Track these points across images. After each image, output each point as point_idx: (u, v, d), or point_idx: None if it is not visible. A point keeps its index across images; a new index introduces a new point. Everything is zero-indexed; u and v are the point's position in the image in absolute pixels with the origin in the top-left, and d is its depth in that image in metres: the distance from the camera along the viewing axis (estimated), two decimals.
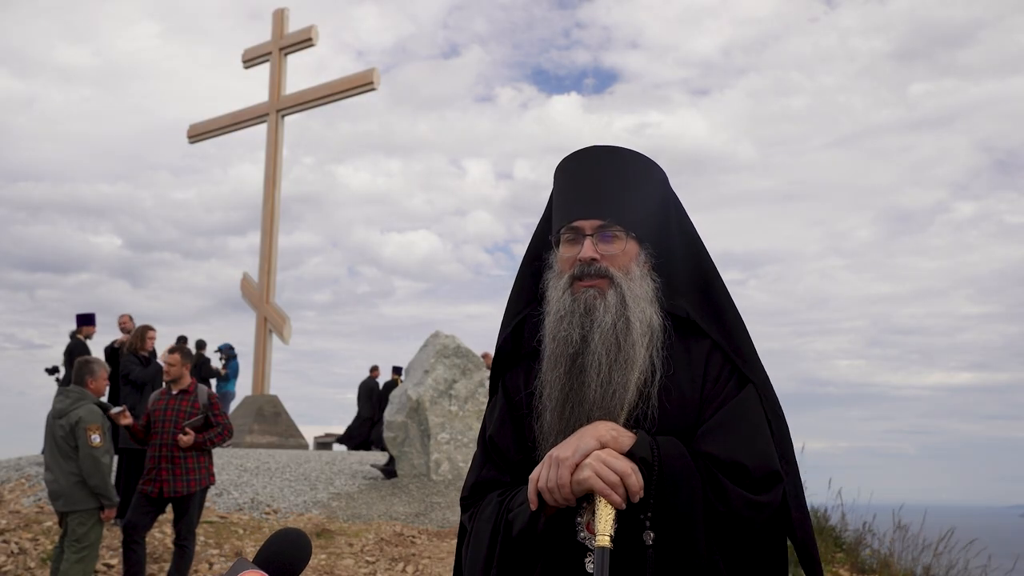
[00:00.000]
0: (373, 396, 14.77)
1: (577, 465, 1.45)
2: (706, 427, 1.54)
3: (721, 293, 1.70)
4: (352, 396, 15.71)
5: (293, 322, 16.15)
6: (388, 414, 10.52)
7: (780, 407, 1.67)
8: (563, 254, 1.65)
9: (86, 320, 10.11)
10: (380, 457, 11.21)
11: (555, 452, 1.48)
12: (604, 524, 1.41)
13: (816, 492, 8.76)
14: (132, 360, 8.67)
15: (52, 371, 10.31)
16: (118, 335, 10.15)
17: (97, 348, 10.09)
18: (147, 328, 9.06)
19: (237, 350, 14.47)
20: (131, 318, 10.48)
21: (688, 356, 1.61)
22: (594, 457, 1.44)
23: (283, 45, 17.00)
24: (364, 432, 14.83)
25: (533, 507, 1.49)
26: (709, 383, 1.60)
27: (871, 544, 8.47)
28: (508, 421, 1.70)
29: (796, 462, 1.64)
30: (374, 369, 15.66)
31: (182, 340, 12.14)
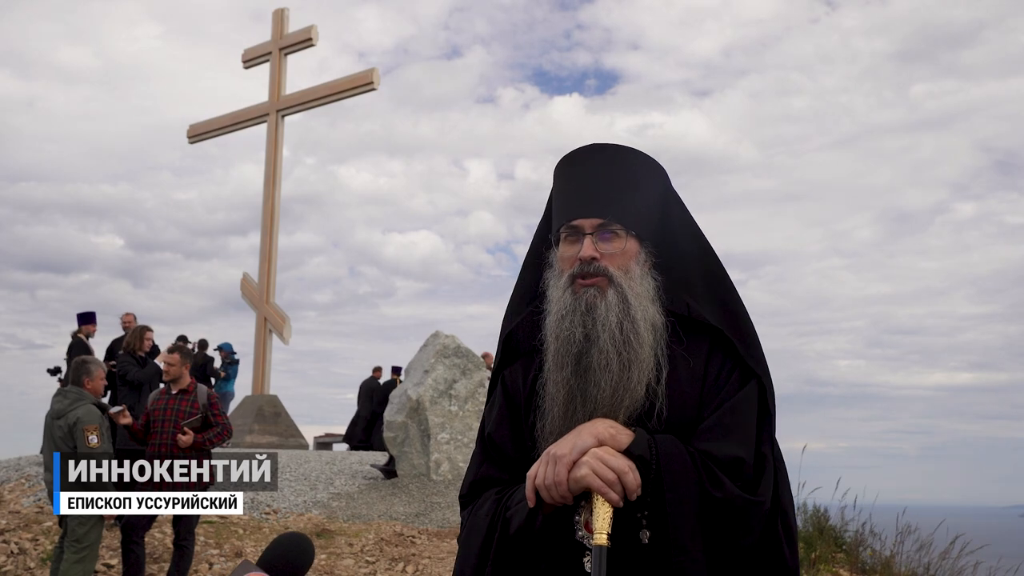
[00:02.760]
0: (374, 396, 14.77)
1: (575, 463, 1.44)
2: (704, 425, 1.54)
3: (728, 287, 1.70)
4: (352, 396, 15.72)
5: (294, 322, 16.15)
6: (388, 414, 10.51)
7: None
8: (563, 253, 1.65)
9: (86, 319, 10.12)
10: (380, 457, 11.20)
11: (553, 449, 1.48)
12: (601, 522, 1.40)
13: (818, 492, 8.76)
14: (129, 360, 8.66)
15: (54, 372, 10.31)
16: (120, 334, 10.15)
17: (99, 347, 10.10)
18: (145, 328, 9.06)
19: (237, 350, 14.47)
20: (135, 317, 10.49)
21: (688, 354, 1.61)
22: (591, 455, 1.44)
23: (283, 45, 16.99)
24: (363, 432, 14.83)
25: (531, 504, 1.48)
26: (709, 381, 1.59)
27: (871, 544, 8.46)
28: (507, 419, 1.70)
29: (783, 460, 1.62)
30: (376, 370, 15.66)
31: (182, 340, 12.14)
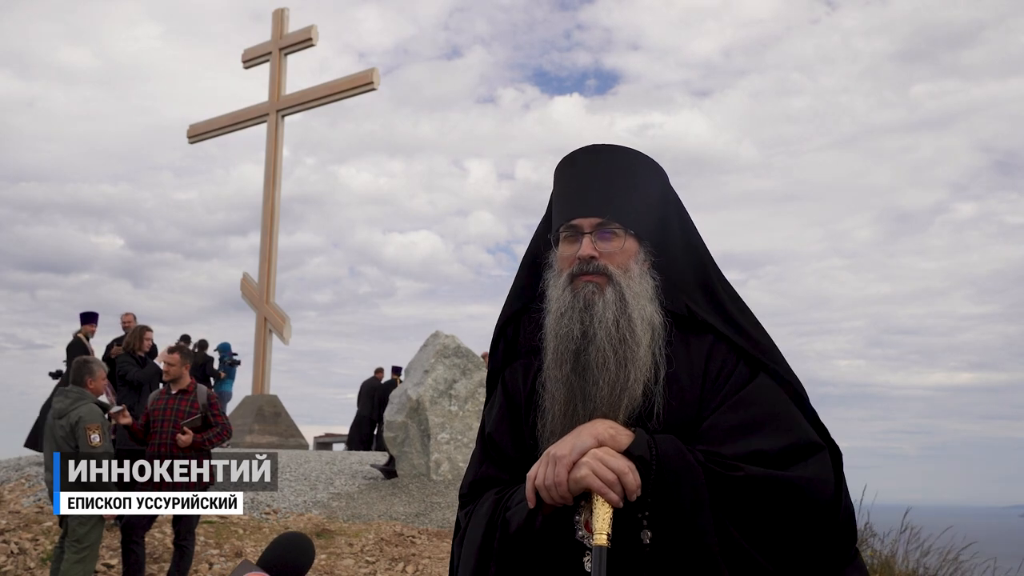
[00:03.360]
0: (375, 396, 14.78)
1: (574, 463, 1.44)
2: (706, 424, 1.52)
3: (724, 288, 1.69)
4: (352, 396, 15.72)
5: (294, 322, 16.16)
6: (388, 414, 10.52)
7: (803, 389, 1.63)
8: (562, 252, 1.65)
9: (88, 318, 10.13)
10: (380, 457, 11.21)
11: (553, 450, 1.48)
12: (602, 523, 1.40)
13: None
14: (128, 360, 8.66)
15: (57, 375, 10.31)
16: (120, 334, 10.16)
17: (98, 347, 10.11)
18: (144, 328, 9.07)
19: (237, 350, 14.47)
20: (135, 317, 10.49)
21: (688, 353, 1.60)
22: (591, 455, 1.43)
23: (283, 45, 16.99)
24: (365, 432, 14.84)
25: (531, 505, 1.48)
26: (710, 380, 1.58)
27: (872, 544, 8.45)
28: (507, 419, 1.70)
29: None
30: (378, 371, 15.66)
31: (184, 339, 12.15)
